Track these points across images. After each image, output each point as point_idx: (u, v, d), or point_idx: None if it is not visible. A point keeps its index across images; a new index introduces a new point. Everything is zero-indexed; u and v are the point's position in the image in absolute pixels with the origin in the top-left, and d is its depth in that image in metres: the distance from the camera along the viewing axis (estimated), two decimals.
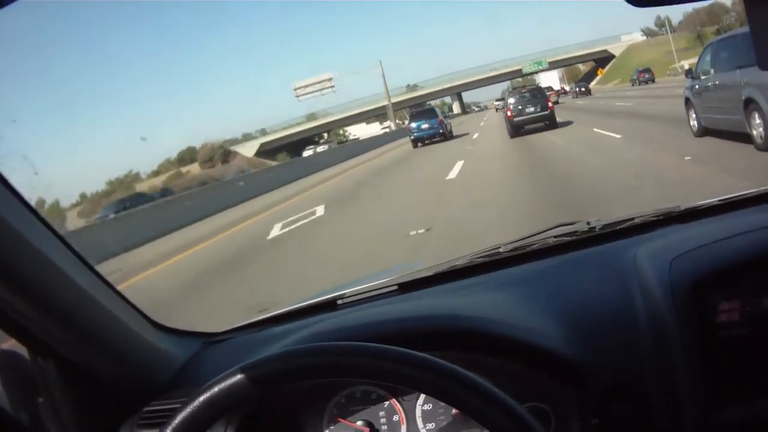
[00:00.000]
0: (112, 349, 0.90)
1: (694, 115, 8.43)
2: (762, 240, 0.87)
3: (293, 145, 53.89)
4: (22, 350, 0.86)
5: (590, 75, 67.12)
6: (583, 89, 45.47)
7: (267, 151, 53.17)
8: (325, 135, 66.83)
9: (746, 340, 0.81)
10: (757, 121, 6.28)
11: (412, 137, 22.95)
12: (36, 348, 0.85)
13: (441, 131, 22.38)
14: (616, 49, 60.69)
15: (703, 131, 8.13)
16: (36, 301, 0.78)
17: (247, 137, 60.16)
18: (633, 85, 39.21)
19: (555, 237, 1.18)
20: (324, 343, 0.73)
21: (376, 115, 63.80)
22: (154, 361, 0.98)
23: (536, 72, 58.43)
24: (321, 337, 0.93)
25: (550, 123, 16.58)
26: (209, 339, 1.12)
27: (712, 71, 7.45)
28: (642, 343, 0.85)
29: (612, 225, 1.16)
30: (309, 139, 59.85)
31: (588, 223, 1.19)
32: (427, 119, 22.98)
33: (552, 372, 0.87)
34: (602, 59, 61.79)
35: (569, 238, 1.16)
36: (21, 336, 0.82)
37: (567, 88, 66.72)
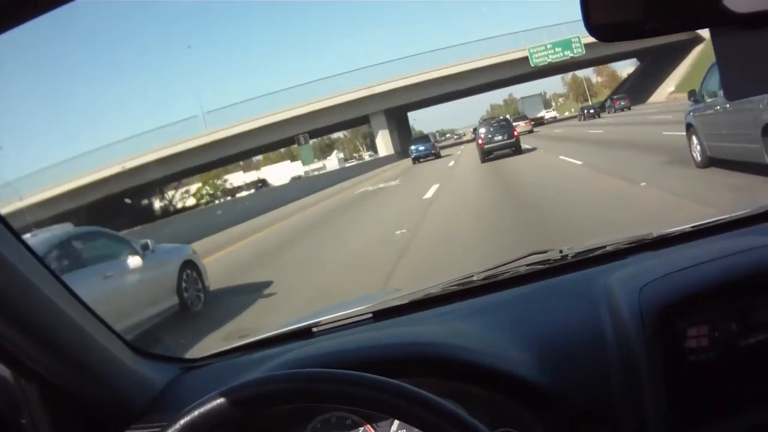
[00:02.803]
0: (92, 372, 0.97)
1: (697, 144, 7.80)
2: (730, 267, 0.94)
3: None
4: (6, 372, 0.93)
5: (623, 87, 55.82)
6: (592, 111, 40.01)
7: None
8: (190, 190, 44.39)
9: (714, 365, 0.88)
10: None
11: (413, 156, 33.12)
12: (19, 370, 0.91)
13: (434, 152, 33.63)
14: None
15: (708, 161, 7.57)
16: (19, 325, 0.85)
17: None
18: (580, 120, 38.27)
19: (527, 265, 1.24)
20: (301, 369, 0.78)
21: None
22: (133, 385, 1.05)
23: (564, 60, 36.94)
24: (298, 363, 1.00)
25: (515, 149, 20.82)
26: (187, 365, 1.19)
27: (720, 92, 6.66)
28: (611, 369, 0.91)
29: (584, 253, 1.22)
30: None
31: (560, 252, 1.26)
32: (424, 143, 34.20)
33: (523, 398, 0.92)
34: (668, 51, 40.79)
35: (542, 267, 1.22)
36: (4, 358, 0.89)
37: (552, 114, 61.56)
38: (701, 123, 7.51)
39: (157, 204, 33.78)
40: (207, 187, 49.85)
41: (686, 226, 1.19)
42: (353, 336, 1.13)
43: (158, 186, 35.00)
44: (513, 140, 20.24)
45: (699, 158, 7.72)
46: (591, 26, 0.68)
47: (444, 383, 0.91)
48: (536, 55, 37.50)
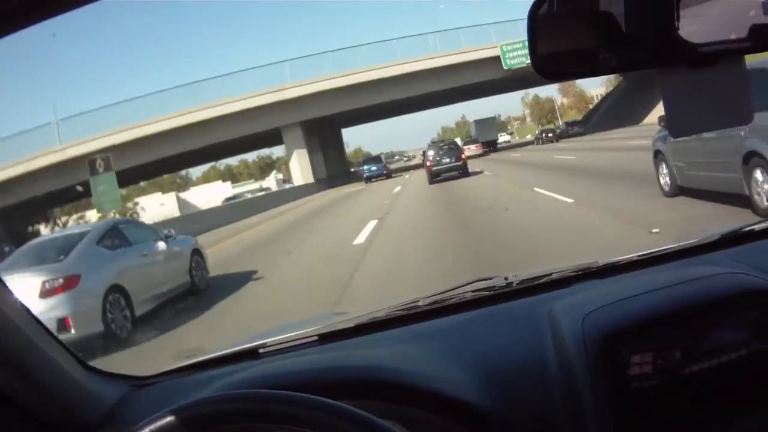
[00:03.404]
0: (42, 386, 0.93)
1: (665, 171, 7.16)
2: (674, 296, 0.93)
3: None
4: None
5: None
6: (550, 134, 38.75)
7: None
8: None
9: (657, 392, 0.86)
10: (761, 178, 5.04)
11: (365, 175, 32.90)
12: None
13: (385, 172, 33.19)
14: None
15: (677, 191, 6.94)
16: None
17: None
18: (537, 144, 36.29)
19: (473, 291, 1.22)
20: (247, 390, 0.78)
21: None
22: (84, 401, 1.02)
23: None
24: (245, 384, 0.97)
25: (462, 172, 20.45)
26: (137, 382, 1.16)
27: None
28: (555, 395, 0.89)
29: (529, 280, 1.20)
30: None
31: (506, 278, 1.24)
32: (376, 164, 34.05)
33: (468, 423, 0.89)
34: None
35: (487, 293, 1.20)
36: None
37: (505, 138, 58.77)
38: (672, 150, 6.84)
39: (45, 230, 25.83)
40: (114, 214, 39.03)
41: (633, 255, 1.19)
42: (299, 358, 1.11)
43: (40, 210, 28.63)
44: (460, 163, 20.19)
45: (667, 187, 7.11)
46: (537, 65, 0.69)
47: (389, 406, 0.89)
48: (510, 55, 28.23)
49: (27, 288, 5.46)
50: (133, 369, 1.22)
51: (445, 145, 21.73)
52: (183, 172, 76.83)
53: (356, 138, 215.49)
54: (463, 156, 20.74)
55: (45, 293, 5.46)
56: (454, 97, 40.31)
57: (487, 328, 1.06)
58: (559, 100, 76.83)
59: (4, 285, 0.89)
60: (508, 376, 0.92)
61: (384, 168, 33.43)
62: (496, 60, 28.93)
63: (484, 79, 30.75)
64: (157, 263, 6.97)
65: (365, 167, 33.74)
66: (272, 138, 35.82)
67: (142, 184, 56.95)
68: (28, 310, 0.93)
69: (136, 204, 42.21)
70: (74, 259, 5.96)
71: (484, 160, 28.98)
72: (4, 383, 0.87)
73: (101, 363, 1.17)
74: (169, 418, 0.68)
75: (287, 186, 40.78)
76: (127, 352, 5.27)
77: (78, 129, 30.03)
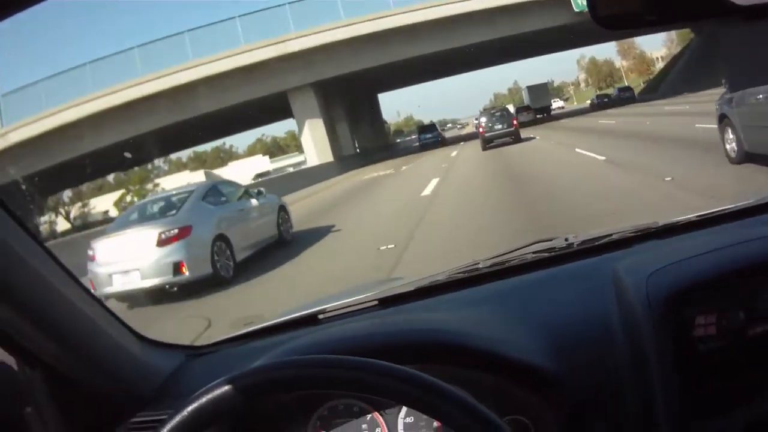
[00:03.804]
0: (97, 359, 0.90)
1: (731, 137, 6.42)
2: (737, 255, 0.90)
3: None
4: (10, 360, 0.86)
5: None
6: (606, 100, 34.69)
7: None
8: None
9: (722, 354, 0.83)
10: None
11: (420, 143, 31.40)
12: (23, 358, 0.85)
13: (440, 139, 32.11)
14: None
15: (744, 157, 6.25)
16: (23, 313, 0.79)
17: None
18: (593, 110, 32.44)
19: (533, 253, 1.19)
20: (307, 356, 0.74)
21: None
22: (139, 373, 0.99)
23: None
24: (303, 350, 0.93)
25: (514, 138, 19.60)
26: (193, 352, 1.13)
27: None
28: (619, 356, 0.86)
29: (590, 241, 1.16)
30: None
31: (566, 239, 1.20)
32: (431, 131, 32.88)
33: (530, 385, 0.87)
34: None
35: (548, 254, 1.16)
36: (8, 346, 0.83)
37: (559, 104, 54.85)
38: (739, 113, 6.14)
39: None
40: (132, 196, 32.86)
41: (691, 216, 1.14)
42: (359, 323, 1.07)
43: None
44: (512, 129, 19.72)
45: (734, 153, 6.44)
46: (596, 15, 0.67)
47: (450, 370, 0.85)
48: None
49: (145, 239, 6.18)
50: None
51: (497, 111, 21.19)
52: (227, 146, 70.00)
53: (406, 105, 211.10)
54: (514, 122, 20.27)
55: (162, 242, 6.14)
56: (508, 53, 31.70)
57: (549, 289, 1.03)
58: (618, 62, 69.55)
59: (58, 262, 0.85)
60: (572, 338, 0.89)
61: (438, 135, 32.72)
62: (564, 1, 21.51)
63: (547, 25, 23.19)
64: (252, 217, 7.65)
65: (420, 135, 32.87)
66: (280, 107, 25.22)
67: (184, 159, 53.44)
68: (81, 285, 0.90)
69: (156, 186, 35.00)
70: (185, 212, 6.64)
71: (538, 128, 26.66)
72: (58, 359, 0.85)
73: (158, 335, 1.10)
74: (226, 387, 0.65)
75: (299, 167, 29.92)
76: (186, 323, 5.20)
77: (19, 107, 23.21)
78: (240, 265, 6.92)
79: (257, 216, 7.88)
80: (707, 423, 0.78)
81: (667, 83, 39.41)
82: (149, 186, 36.41)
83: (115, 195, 36.83)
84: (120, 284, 6.25)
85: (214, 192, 7.54)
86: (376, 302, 1.15)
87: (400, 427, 0.94)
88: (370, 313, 1.13)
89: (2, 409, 0.87)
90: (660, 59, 58.18)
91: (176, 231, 6.30)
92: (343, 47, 23.25)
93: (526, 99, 43.96)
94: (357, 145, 33.16)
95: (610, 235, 1.16)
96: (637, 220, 1.22)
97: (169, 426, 0.65)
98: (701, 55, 34.07)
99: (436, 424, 0.91)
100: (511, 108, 29.58)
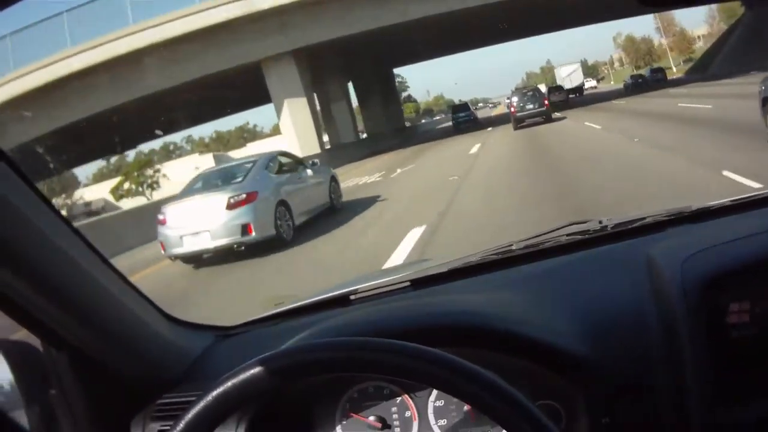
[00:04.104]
0: (124, 341, 0.86)
1: None
2: None
3: None
4: (36, 342, 0.83)
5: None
6: (640, 81, 31.88)
7: None
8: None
9: (756, 341, 0.80)
10: None
11: (453, 123, 30.78)
12: (49, 340, 0.82)
13: (473, 118, 31.02)
14: None
15: None
16: (49, 293, 0.75)
17: None
18: (627, 93, 29.82)
19: (567, 235, 1.14)
20: (337, 338, 0.71)
21: None
22: (167, 354, 0.95)
23: None
24: (334, 332, 0.89)
25: (546, 117, 19.43)
26: (222, 333, 1.09)
27: None
28: (652, 341, 0.83)
29: (624, 224, 1.12)
30: None
31: (600, 222, 1.16)
32: (464, 111, 31.84)
33: (562, 370, 0.84)
34: None
35: (581, 237, 1.12)
36: (34, 327, 0.79)
37: (591, 83, 51.90)
38: None
39: None
40: (130, 183, 30.17)
41: (725, 200, 1.09)
42: (391, 304, 1.04)
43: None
44: (544, 109, 19.50)
45: None
46: None
47: (482, 353, 0.82)
48: None
49: (215, 204, 6.62)
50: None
51: (529, 91, 20.96)
52: (251, 125, 62.82)
53: (436, 84, 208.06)
54: (546, 102, 19.99)
55: (231, 206, 6.59)
56: (540, 22, 27.28)
57: (583, 272, 1.00)
58: (657, 40, 62.88)
59: (86, 240, 0.82)
60: (605, 323, 0.87)
61: (472, 114, 31.72)
62: None
63: None
64: (308, 186, 8.21)
65: (453, 115, 32.12)
66: (256, 83, 18.84)
67: (206, 140, 49.10)
68: (109, 264, 0.86)
69: (157, 171, 32.64)
70: (251, 180, 7.11)
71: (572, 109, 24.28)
72: (84, 341, 0.81)
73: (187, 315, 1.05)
74: (255, 369, 0.62)
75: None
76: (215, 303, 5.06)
77: None
78: (298, 228, 7.39)
79: (312, 185, 8.42)
80: (739, 409, 0.77)
81: (719, 62, 34.34)
82: (149, 172, 32.74)
83: (107, 184, 32.60)
84: (190, 245, 6.78)
85: (275, 162, 8.05)
86: (408, 283, 1.11)
87: (430, 410, 0.92)
88: (402, 295, 1.09)
89: (27, 391, 0.83)
90: (700, 38, 54.09)
91: (244, 196, 6.73)
92: (331, 4, 16.72)
93: (558, 78, 43.36)
94: (364, 129, 28.09)
95: (644, 218, 1.11)
96: (673, 204, 1.16)
97: (196, 408, 0.63)
98: (753, 32, 29.78)
99: (466, 407, 0.89)
100: (543, 88, 28.85)
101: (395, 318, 0.91)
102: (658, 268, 0.89)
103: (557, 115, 20.95)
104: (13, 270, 0.71)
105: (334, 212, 8.72)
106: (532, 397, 0.70)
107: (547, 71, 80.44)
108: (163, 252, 7.04)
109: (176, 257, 6.96)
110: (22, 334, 0.82)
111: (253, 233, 6.67)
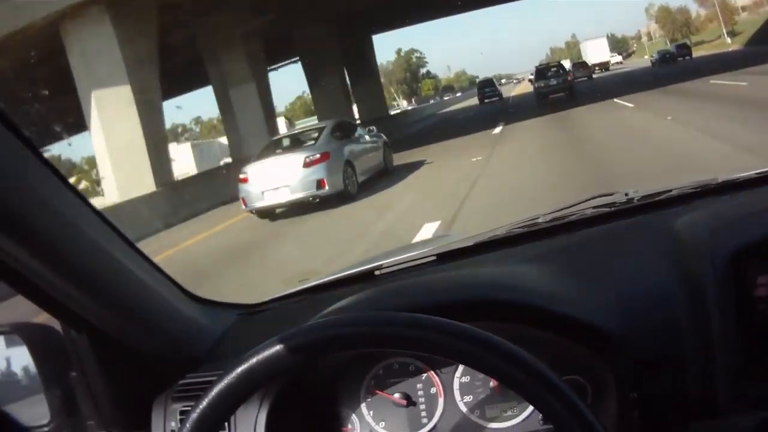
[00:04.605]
0: (145, 321, 0.81)
1: None
2: None
3: None
4: (55, 323, 0.78)
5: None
6: (668, 56, 30.69)
7: None
8: None
9: None
10: None
11: (479, 97, 31.93)
12: (69, 321, 0.77)
13: (498, 92, 31.85)
14: None
15: None
16: (69, 273, 0.70)
17: None
18: (654, 68, 28.25)
19: (593, 208, 1.07)
20: (362, 313, 0.67)
21: None
22: (189, 333, 0.90)
23: None
24: (359, 307, 0.84)
25: (569, 93, 18.59)
26: (245, 310, 1.04)
27: None
28: (680, 315, 0.78)
29: (650, 196, 1.05)
30: None
31: (626, 194, 1.10)
32: (490, 87, 32.87)
33: (589, 344, 0.79)
34: None
35: (607, 209, 1.05)
36: (54, 309, 0.74)
37: (617, 59, 48.18)
38: None
39: None
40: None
41: (751, 173, 1.03)
42: (416, 279, 0.99)
43: None
44: (566, 84, 19.01)
45: None
46: None
47: (507, 327, 0.78)
48: None
49: (293, 162, 7.43)
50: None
51: (552, 67, 20.53)
52: None
53: (457, 59, 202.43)
54: (569, 77, 19.46)
55: (307, 164, 7.40)
56: None
57: (609, 245, 0.96)
58: (694, 11, 56.33)
59: (105, 219, 0.76)
60: (633, 296, 0.83)
61: (496, 90, 32.29)
62: None
63: None
64: (368, 149, 8.94)
65: (479, 90, 33.38)
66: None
67: (215, 121, 40.62)
68: (129, 242, 0.80)
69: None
70: (323, 143, 7.93)
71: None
72: (104, 321, 0.77)
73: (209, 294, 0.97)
74: (279, 346, 0.60)
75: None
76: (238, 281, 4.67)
77: None
78: (361, 185, 8.24)
79: (370, 149, 9.21)
80: (762, 382, 0.74)
81: None
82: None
83: None
84: (270, 198, 7.57)
85: (338, 128, 8.82)
86: (434, 257, 1.06)
87: (456, 386, 0.87)
88: (428, 269, 1.04)
89: (48, 375, 0.80)
90: (743, 9, 47.76)
91: (318, 156, 7.55)
92: None
93: (583, 54, 42.25)
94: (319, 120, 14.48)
95: (670, 190, 1.06)
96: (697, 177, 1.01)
97: (218, 387, 0.60)
98: None
99: (492, 383, 0.84)
100: (568, 63, 27.80)
101: (421, 292, 0.87)
102: (685, 240, 0.84)
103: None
104: (30, 250, 0.66)
105: (387, 173, 9.66)
106: (557, 372, 0.64)
107: (573, 46, 75.53)
108: (243, 207, 7.75)
109: (256, 210, 7.83)
110: (42, 318, 0.76)
111: (326, 187, 7.43)
